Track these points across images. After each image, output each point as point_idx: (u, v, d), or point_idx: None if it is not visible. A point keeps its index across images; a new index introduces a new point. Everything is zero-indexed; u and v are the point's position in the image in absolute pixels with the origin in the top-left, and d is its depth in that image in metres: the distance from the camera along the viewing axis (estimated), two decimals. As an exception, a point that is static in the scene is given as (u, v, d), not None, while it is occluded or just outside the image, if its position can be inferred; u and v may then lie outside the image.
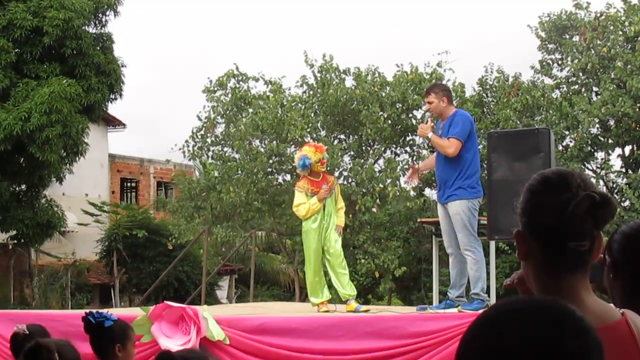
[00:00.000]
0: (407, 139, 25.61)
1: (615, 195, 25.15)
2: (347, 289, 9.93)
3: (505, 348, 1.51)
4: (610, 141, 24.58)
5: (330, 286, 10.39)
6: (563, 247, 2.25)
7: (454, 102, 23.04)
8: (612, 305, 2.31)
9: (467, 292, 9.33)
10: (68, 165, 23.84)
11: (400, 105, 24.47)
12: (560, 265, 2.26)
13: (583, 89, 25.47)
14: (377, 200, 24.12)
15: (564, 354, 1.50)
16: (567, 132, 24.43)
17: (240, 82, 25.80)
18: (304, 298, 16.38)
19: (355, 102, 24.38)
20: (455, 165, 9.07)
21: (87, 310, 5.34)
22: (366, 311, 9.40)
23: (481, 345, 1.55)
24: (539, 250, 2.28)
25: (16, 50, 22.17)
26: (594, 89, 25.38)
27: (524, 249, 2.31)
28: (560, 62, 26.71)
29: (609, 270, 2.70)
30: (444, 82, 24.24)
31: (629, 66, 23.27)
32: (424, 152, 24.41)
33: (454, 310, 8.79)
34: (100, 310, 5.39)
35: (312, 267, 10.09)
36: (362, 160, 24.89)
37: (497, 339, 1.53)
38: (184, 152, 26.39)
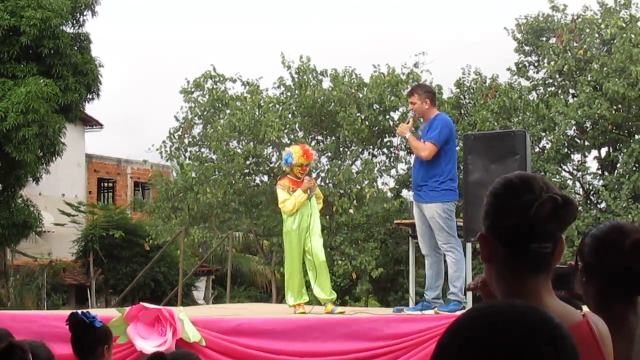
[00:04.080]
0: (385, 140, 25.62)
1: (592, 197, 25.29)
2: (327, 292, 9.88)
3: (481, 353, 1.49)
4: (586, 143, 24.72)
5: (308, 287, 10.36)
6: (526, 248, 2.26)
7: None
8: (572, 307, 2.32)
9: (443, 294, 9.34)
10: (45, 165, 23.76)
11: (378, 106, 24.49)
12: (523, 267, 2.28)
13: (560, 91, 25.58)
14: (354, 201, 24.11)
15: None
16: (543, 134, 24.53)
17: (218, 83, 25.76)
18: (281, 299, 16.38)
19: (332, 104, 24.38)
20: (431, 169, 9.05)
21: (73, 311, 5.32)
22: (341, 313, 9.40)
23: (457, 349, 1.53)
24: (502, 252, 2.29)
25: (-7, 49, 22.08)
26: (571, 91, 25.51)
27: (487, 251, 2.33)
28: (536, 64, 26.83)
29: (582, 274, 2.71)
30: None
31: (605, 68, 23.36)
32: (402, 153, 24.45)
33: (431, 312, 8.80)
34: (84, 311, 5.38)
35: (292, 268, 10.03)
36: (340, 162, 24.89)
37: (472, 344, 1.51)
38: (161, 152, 26.33)
